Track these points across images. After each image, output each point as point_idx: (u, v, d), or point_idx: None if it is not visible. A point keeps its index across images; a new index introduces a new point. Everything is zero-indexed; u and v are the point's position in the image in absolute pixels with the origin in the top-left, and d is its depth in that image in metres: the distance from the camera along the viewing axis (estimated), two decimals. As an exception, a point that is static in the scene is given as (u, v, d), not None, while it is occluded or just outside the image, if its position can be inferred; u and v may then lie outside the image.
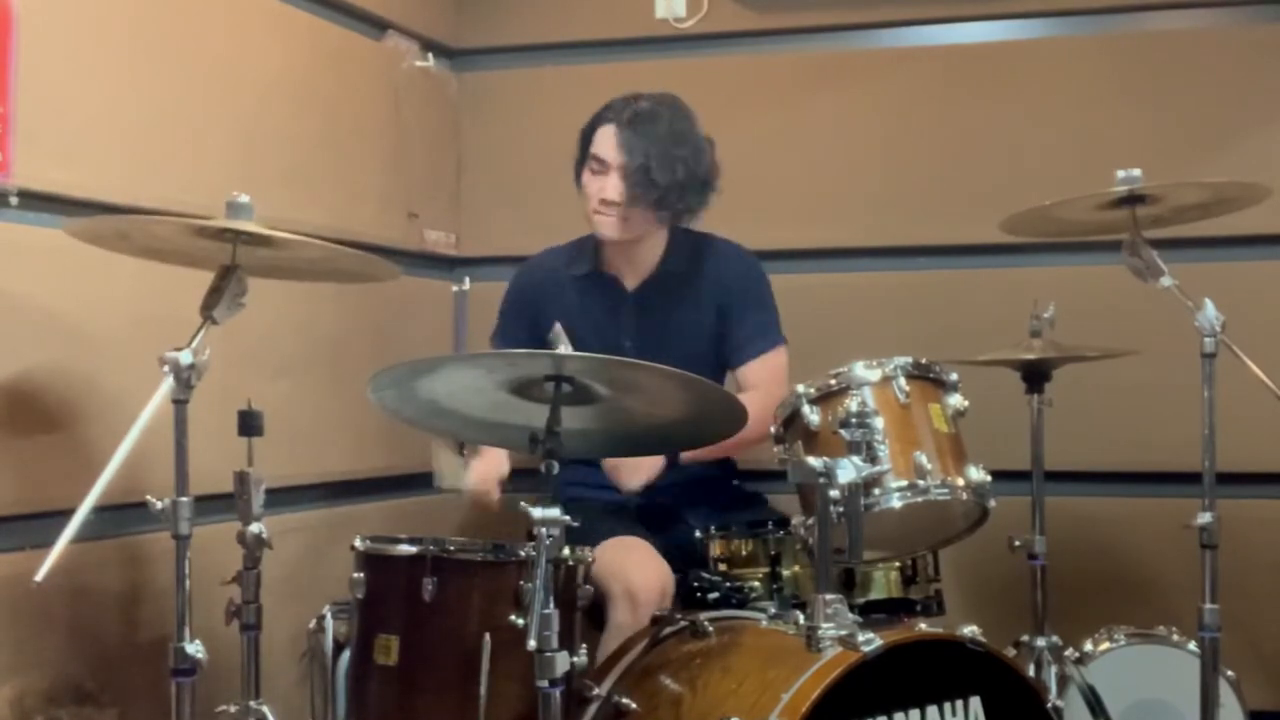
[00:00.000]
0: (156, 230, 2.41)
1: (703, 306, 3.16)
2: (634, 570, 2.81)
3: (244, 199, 2.33)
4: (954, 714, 2.32)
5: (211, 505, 2.46)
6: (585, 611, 2.56)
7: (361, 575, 2.51)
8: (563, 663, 2.12)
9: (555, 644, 2.10)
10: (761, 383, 3.10)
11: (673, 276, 3.17)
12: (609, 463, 2.98)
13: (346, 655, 2.73)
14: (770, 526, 2.72)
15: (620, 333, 3.13)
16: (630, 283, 3.19)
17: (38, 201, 2.53)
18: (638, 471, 2.97)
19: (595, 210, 3.08)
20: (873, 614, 2.57)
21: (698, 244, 3.21)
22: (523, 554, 2.39)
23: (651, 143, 3.01)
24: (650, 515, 3.05)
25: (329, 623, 2.89)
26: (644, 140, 3.01)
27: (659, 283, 3.17)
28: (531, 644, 2.08)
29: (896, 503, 2.46)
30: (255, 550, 2.46)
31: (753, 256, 3.24)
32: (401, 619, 2.46)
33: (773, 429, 2.61)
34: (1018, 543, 3.08)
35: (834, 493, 2.29)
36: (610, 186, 3.05)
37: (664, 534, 2.96)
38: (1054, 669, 3.06)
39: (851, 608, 2.33)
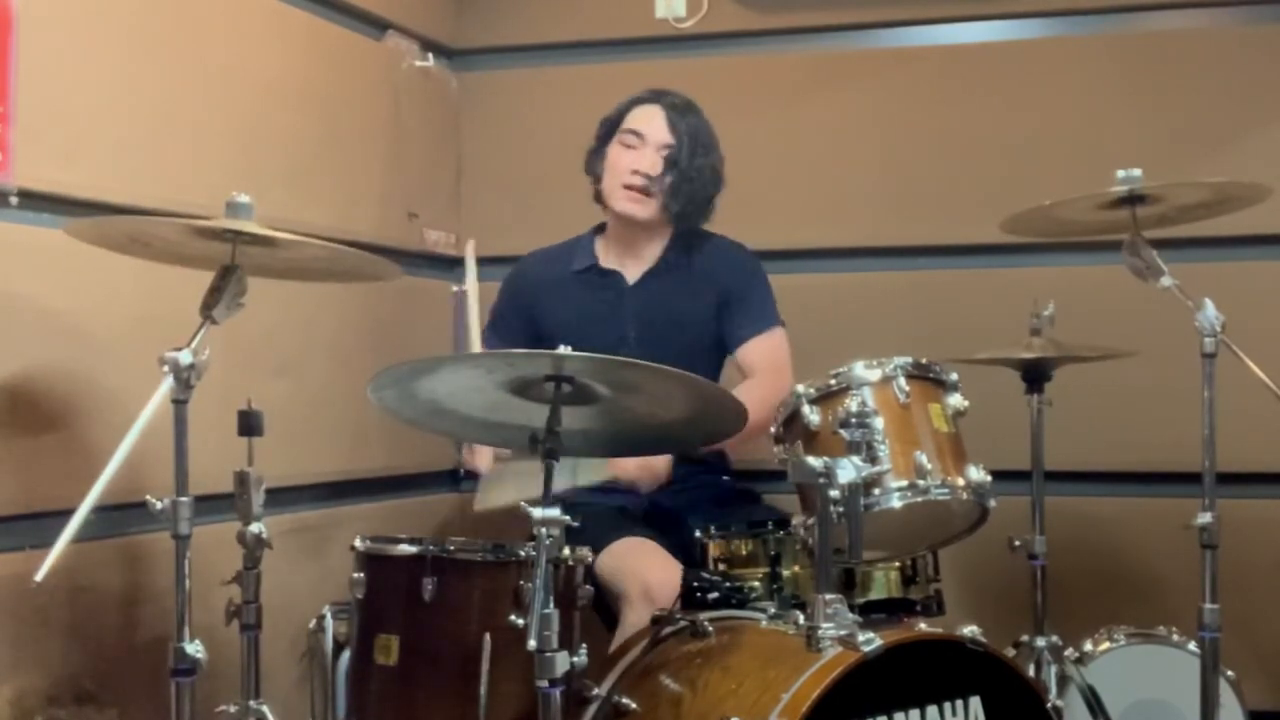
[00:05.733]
0: (159, 232, 2.40)
1: (703, 295, 3.18)
2: (649, 570, 2.81)
3: (244, 199, 2.33)
4: (954, 714, 2.31)
5: (211, 505, 2.46)
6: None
7: (361, 575, 2.51)
8: (563, 663, 2.11)
9: (555, 644, 2.10)
10: (762, 362, 3.13)
11: (672, 268, 3.20)
12: (622, 471, 2.96)
13: (346, 655, 2.73)
14: (770, 526, 2.72)
15: (623, 324, 3.15)
16: (631, 275, 3.21)
17: (38, 201, 2.52)
18: (653, 473, 3.00)
19: (625, 185, 3.12)
20: (873, 614, 2.55)
21: (697, 239, 3.24)
22: (523, 554, 2.40)
23: (690, 132, 3.12)
24: (655, 517, 3.05)
25: (329, 623, 2.89)
26: (686, 124, 3.13)
27: (659, 274, 3.20)
28: (531, 644, 2.08)
29: (896, 503, 2.45)
30: (255, 550, 2.45)
31: (749, 250, 3.27)
32: (401, 619, 2.46)
33: (773, 429, 2.61)
34: (1018, 543, 3.09)
35: (834, 493, 2.29)
36: (646, 160, 3.11)
37: (668, 535, 2.95)
38: (1054, 669, 3.06)
39: (851, 608, 2.33)
